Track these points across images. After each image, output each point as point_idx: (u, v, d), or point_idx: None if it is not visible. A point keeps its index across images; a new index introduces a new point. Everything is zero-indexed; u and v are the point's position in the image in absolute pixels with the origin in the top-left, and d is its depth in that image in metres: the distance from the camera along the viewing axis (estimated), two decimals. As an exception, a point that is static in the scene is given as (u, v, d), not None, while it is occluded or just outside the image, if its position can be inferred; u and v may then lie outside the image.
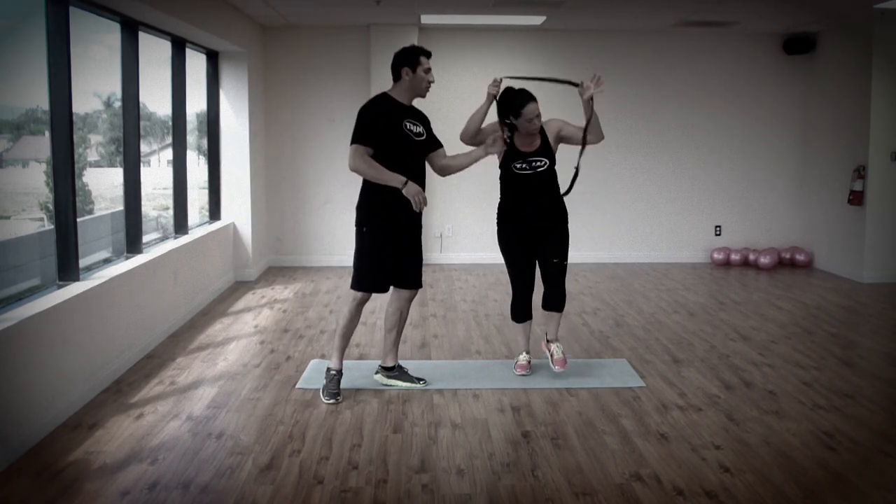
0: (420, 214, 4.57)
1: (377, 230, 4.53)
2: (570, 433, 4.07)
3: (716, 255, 9.33)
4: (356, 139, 4.43)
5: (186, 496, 3.37)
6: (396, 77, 4.55)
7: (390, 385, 4.76)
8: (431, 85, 4.59)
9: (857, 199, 8.29)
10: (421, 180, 4.53)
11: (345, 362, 5.17)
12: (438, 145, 4.75)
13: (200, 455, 3.79)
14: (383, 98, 4.58)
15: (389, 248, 4.56)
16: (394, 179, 4.37)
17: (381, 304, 7.04)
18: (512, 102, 4.69)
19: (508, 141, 4.78)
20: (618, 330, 6.22)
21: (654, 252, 9.48)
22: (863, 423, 4.22)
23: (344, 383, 4.70)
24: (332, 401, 4.53)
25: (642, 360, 5.36)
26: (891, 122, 8.14)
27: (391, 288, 4.74)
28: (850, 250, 8.48)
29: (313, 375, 4.93)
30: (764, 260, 9.04)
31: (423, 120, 4.69)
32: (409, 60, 4.50)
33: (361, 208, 4.57)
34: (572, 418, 4.28)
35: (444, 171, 4.79)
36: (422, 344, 5.83)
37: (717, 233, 9.53)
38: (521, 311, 5.04)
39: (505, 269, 5.06)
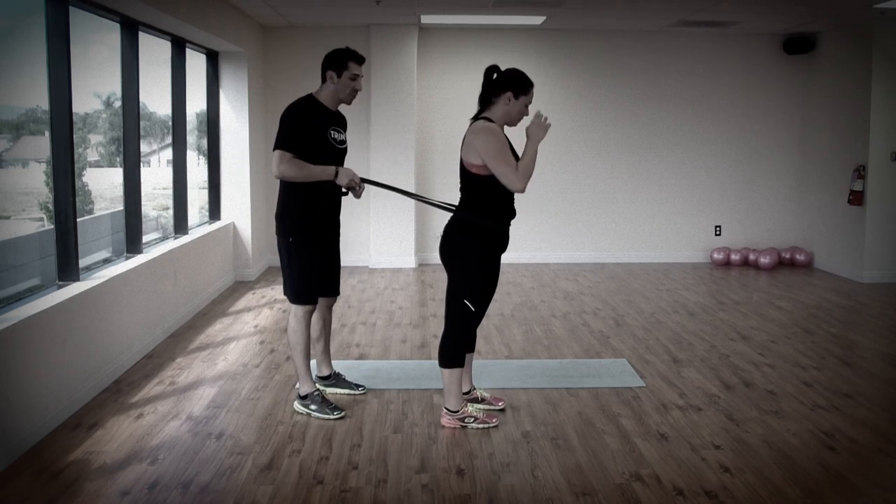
0: (335, 218, 4.44)
1: (305, 237, 4.29)
2: (570, 433, 4.07)
3: (716, 255, 9.33)
4: (280, 144, 4.12)
5: (186, 496, 3.37)
6: (323, 78, 4.28)
7: (330, 393, 4.62)
8: (357, 93, 4.28)
9: (857, 199, 8.29)
10: (339, 189, 4.33)
11: (345, 362, 5.19)
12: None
13: (200, 455, 3.79)
14: (308, 101, 4.28)
15: (319, 254, 4.35)
16: (324, 172, 4.12)
17: (380, 303, 7.05)
18: (525, 78, 4.04)
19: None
20: (618, 330, 6.22)
21: (654, 252, 9.48)
22: (863, 423, 4.22)
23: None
24: (341, 414, 4.27)
25: (642, 360, 5.36)
26: (891, 122, 8.14)
27: None
28: (850, 250, 8.49)
29: (313, 375, 4.93)
30: (764, 260, 9.04)
31: (345, 126, 4.45)
32: (337, 64, 4.22)
33: (285, 218, 4.29)
34: (572, 418, 4.28)
35: None
36: (421, 344, 5.83)
37: (717, 233, 9.53)
38: (470, 344, 4.30)
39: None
